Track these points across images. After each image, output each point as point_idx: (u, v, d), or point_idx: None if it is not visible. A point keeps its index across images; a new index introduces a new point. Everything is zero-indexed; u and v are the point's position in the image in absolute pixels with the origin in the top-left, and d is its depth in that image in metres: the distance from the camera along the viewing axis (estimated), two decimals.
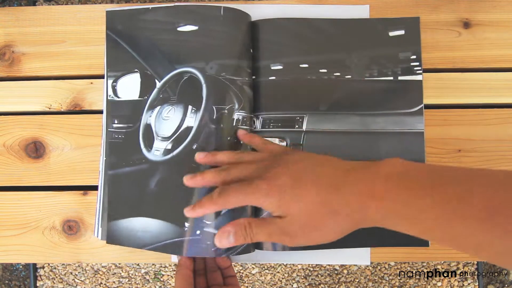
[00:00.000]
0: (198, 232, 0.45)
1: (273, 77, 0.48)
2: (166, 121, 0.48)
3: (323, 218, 0.32)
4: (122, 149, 0.48)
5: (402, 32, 0.50)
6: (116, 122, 0.49)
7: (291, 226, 0.33)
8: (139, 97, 0.49)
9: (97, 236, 0.48)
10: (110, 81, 0.50)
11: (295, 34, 0.49)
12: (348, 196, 0.31)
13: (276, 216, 0.34)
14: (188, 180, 0.41)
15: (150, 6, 0.48)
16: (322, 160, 0.35)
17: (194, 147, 0.46)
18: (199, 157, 0.43)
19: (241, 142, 0.46)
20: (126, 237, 0.47)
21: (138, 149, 0.48)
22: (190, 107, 0.47)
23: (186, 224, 0.45)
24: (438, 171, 0.31)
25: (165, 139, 0.47)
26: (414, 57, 0.49)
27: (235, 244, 0.36)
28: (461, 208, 0.27)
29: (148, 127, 0.48)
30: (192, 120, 0.46)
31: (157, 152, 0.47)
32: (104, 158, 0.49)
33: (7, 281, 1.09)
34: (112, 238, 0.47)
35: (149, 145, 0.48)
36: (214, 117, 0.46)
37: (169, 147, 0.47)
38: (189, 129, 0.46)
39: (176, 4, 0.49)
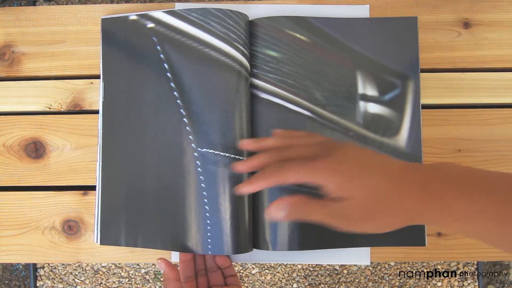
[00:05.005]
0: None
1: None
2: None
3: (381, 208, 0.31)
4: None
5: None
6: None
7: (350, 210, 0.32)
8: None
9: (97, 242, 0.48)
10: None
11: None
12: (407, 192, 0.31)
13: (332, 198, 0.33)
14: (240, 166, 0.37)
15: (147, 12, 0.48)
16: (378, 154, 0.35)
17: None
18: (244, 144, 0.41)
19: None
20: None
21: None
22: None
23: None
24: (493, 175, 0.32)
25: None
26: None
27: (287, 219, 0.34)
28: None
29: None
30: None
31: None
32: (101, 163, 0.48)
33: (7, 281, 1.09)
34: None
35: None
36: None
37: None
38: None
39: (176, 5, 0.49)
